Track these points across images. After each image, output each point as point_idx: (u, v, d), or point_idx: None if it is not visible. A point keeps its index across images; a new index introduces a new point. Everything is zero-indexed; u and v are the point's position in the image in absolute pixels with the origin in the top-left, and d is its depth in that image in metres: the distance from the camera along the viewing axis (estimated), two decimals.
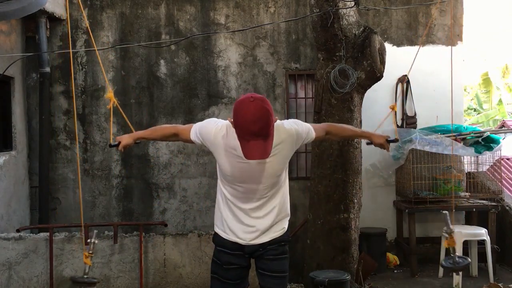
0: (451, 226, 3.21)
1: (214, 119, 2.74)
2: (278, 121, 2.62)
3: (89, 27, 6.03)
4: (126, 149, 2.90)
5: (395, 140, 3.09)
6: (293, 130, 2.67)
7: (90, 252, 3.04)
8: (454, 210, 5.71)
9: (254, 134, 2.33)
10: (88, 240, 3.05)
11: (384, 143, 2.99)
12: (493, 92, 15.41)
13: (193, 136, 2.73)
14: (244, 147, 2.37)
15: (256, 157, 2.37)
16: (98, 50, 5.82)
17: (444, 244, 3.47)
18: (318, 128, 2.83)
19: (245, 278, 2.85)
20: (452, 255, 3.20)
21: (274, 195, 2.72)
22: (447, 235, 3.24)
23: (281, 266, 2.79)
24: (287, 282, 2.87)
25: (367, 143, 3.12)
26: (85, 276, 3.07)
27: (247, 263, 2.82)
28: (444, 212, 3.26)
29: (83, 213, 6.13)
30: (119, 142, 2.86)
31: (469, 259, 3.35)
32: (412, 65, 3.75)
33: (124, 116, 3.44)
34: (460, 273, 5.08)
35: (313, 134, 2.76)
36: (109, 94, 3.09)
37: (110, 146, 2.97)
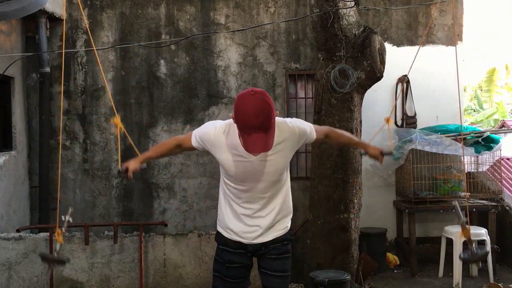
0: (463, 217, 3.21)
1: (212, 122, 2.74)
2: (281, 118, 2.62)
3: (88, 27, 6.02)
4: (134, 174, 2.90)
5: (390, 153, 3.13)
6: (296, 128, 2.66)
7: (64, 230, 3.03)
8: (454, 211, 5.73)
9: (255, 127, 2.33)
10: (63, 218, 3.04)
11: (378, 155, 3.02)
12: (494, 91, 15.42)
13: (194, 142, 2.74)
14: (245, 140, 2.38)
15: (257, 150, 2.38)
16: (98, 50, 5.82)
17: (459, 236, 3.47)
18: (319, 130, 2.84)
19: (247, 277, 2.85)
20: (469, 246, 3.20)
21: (276, 193, 2.72)
22: (458, 227, 3.23)
23: (283, 266, 2.79)
24: (289, 281, 2.87)
25: (361, 153, 3.15)
26: (55, 254, 3.05)
27: (250, 261, 2.82)
28: (454, 203, 3.27)
29: (83, 213, 6.15)
30: (127, 168, 2.86)
31: (487, 248, 3.34)
32: (411, 64, 3.76)
33: (131, 142, 3.44)
34: (460, 273, 5.10)
35: (314, 135, 2.77)
36: (116, 119, 3.06)
37: (119, 172, 2.96)
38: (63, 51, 5.76)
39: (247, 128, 2.35)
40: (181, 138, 2.86)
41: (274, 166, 2.62)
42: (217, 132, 2.62)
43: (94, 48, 4.26)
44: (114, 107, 3.27)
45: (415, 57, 3.66)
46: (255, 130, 2.33)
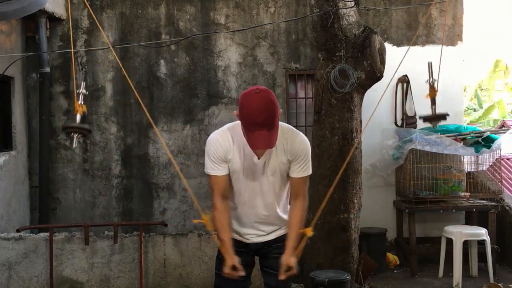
0: (434, 77, 3.44)
1: (208, 141, 2.65)
2: (294, 129, 2.65)
3: (89, 27, 6.03)
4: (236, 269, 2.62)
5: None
6: (300, 150, 2.62)
7: (80, 102, 3.16)
8: (454, 211, 5.74)
9: (259, 124, 2.35)
10: (78, 91, 3.14)
11: (287, 263, 2.64)
12: (494, 88, 15.41)
13: (216, 171, 2.62)
14: (249, 137, 2.40)
15: (261, 147, 2.40)
16: (97, 50, 5.82)
17: (426, 97, 3.58)
18: (298, 183, 2.69)
19: (249, 276, 2.85)
20: (431, 107, 3.41)
21: (279, 194, 2.73)
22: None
23: None
24: (291, 280, 2.88)
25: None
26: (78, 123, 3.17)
27: (252, 260, 2.83)
28: (428, 62, 3.44)
29: (83, 213, 6.15)
30: (233, 266, 2.61)
31: (448, 113, 3.49)
32: (412, 65, 3.76)
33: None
34: (460, 273, 5.10)
35: (294, 174, 2.66)
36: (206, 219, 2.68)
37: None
38: (66, 51, 5.76)
39: (251, 125, 2.37)
40: (215, 192, 2.65)
41: (277, 167, 2.64)
42: (223, 142, 2.61)
43: (95, 48, 4.24)
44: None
45: (416, 57, 3.67)
46: (259, 127, 2.35)
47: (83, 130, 3.25)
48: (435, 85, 3.35)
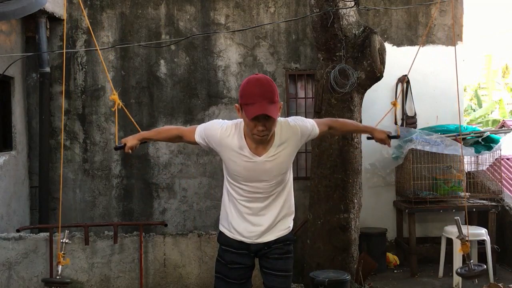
0: (463, 232, 3.19)
1: (219, 120, 2.74)
2: (282, 118, 2.64)
3: (90, 27, 6.01)
4: (133, 150, 2.90)
5: (397, 137, 3.10)
6: (297, 127, 2.68)
7: (63, 252, 3.09)
8: (454, 211, 5.74)
9: (258, 95, 2.39)
10: (61, 241, 3.12)
11: (385, 139, 3.01)
12: (493, 87, 15.42)
13: (197, 138, 2.73)
14: (249, 110, 2.41)
15: (260, 111, 2.38)
16: (98, 50, 5.81)
17: (458, 251, 3.47)
18: (321, 124, 2.84)
19: (249, 278, 2.84)
20: (467, 262, 3.18)
21: (279, 193, 2.74)
22: (458, 240, 3.23)
23: (285, 265, 2.79)
24: (291, 281, 2.88)
25: (368, 138, 3.12)
26: (58, 277, 3.11)
27: (252, 262, 2.82)
28: (456, 218, 3.25)
29: (83, 213, 6.15)
30: (125, 144, 2.86)
31: (485, 266, 3.33)
32: (413, 65, 3.76)
33: (130, 117, 3.46)
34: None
35: (317, 130, 2.77)
36: (114, 96, 3.07)
37: (116, 148, 2.95)
38: (67, 51, 5.74)
39: (250, 97, 2.40)
40: (184, 129, 2.84)
41: (277, 166, 2.64)
42: (223, 132, 2.63)
43: (96, 48, 4.24)
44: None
45: (415, 57, 3.66)
46: (259, 98, 2.39)
47: (64, 285, 3.31)
48: (466, 239, 3.22)
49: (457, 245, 5.20)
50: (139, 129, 3.21)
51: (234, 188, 2.72)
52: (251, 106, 2.40)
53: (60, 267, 3.12)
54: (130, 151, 2.87)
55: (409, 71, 3.90)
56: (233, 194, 2.74)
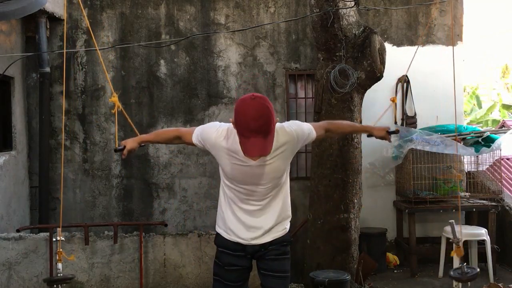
0: (458, 236, 3.18)
1: (217, 122, 2.74)
2: (278, 123, 2.61)
3: (90, 27, 6.01)
4: (131, 153, 2.91)
5: (396, 131, 3.12)
6: (293, 132, 2.67)
7: (59, 250, 3.14)
8: (454, 211, 5.73)
9: (254, 131, 2.33)
10: (55, 239, 3.16)
11: (385, 135, 3.05)
12: (493, 87, 15.42)
13: (194, 139, 2.74)
14: (244, 144, 2.38)
15: (255, 154, 2.37)
16: (98, 50, 5.81)
17: (452, 254, 3.47)
18: (318, 127, 2.84)
19: (246, 280, 2.84)
20: (460, 264, 3.18)
21: (275, 196, 2.73)
22: (453, 244, 3.23)
23: (282, 266, 2.79)
24: (288, 282, 2.87)
25: (368, 135, 3.14)
26: (59, 275, 3.15)
27: (249, 264, 2.82)
28: (450, 221, 3.24)
29: (83, 213, 6.15)
30: (124, 147, 2.88)
31: (478, 269, 3.32)
32: (410, 64, 3.76)
33: (129, 120, 3.47)
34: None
35: (313, 134, 2.77)
36: (114, 98, 3.08)
37: (115, 150, 2.98)
38: (67, 51, 5.74)
39: (246, 131, 2.35)
40: (183, 131, 2.86)
41: (273, 170, 2.63)
42: (218, 136, 2.62)
43: (97, 48, 4.24)
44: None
45: (414, 56, 3.65)
46: (254, 133, 2.33)
47: (67, 280, 3.38)
48: (461, 243, 3.24)
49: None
50: (137, 133, 3.21)
51: (230, 189, 2.72)
52: (246, 139, 2.36)
53: (60, 265, 3.13)
54: (124, 155, 2.89)
55: (407, 70, 3.90)
56: (229, 196, 2.74)
